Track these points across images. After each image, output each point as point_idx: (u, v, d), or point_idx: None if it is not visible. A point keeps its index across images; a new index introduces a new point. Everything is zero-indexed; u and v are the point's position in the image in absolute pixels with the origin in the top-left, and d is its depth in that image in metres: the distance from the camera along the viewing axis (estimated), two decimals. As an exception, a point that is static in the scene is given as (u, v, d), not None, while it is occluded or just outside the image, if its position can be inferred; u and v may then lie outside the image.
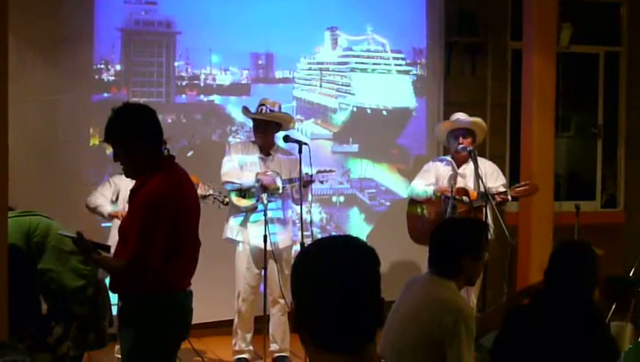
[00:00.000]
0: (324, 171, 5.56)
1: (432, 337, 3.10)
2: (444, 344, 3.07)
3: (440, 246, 3.34)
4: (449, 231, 3.43)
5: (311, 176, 5.38)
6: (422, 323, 3.15)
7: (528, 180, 5.73)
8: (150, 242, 3.26)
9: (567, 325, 2.90)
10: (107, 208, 5.29)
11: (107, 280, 4.08)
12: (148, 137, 3.42)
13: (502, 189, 5.56)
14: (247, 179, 5.37)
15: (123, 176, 5.22)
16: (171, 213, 3.32)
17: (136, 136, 3.39)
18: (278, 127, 5.54)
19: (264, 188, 5.30)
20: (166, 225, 3.30)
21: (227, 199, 5.45)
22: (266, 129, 5.48)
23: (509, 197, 5.53)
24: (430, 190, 5.64)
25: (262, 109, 5.47)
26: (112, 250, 3.56)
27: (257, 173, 5.37)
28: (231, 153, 5.57)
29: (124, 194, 5.22)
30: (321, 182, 5.57)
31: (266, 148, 5.56)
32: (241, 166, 5.47)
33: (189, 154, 6.19)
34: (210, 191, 5.37)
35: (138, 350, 3.39)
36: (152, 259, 3.26)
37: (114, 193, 5.34)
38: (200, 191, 5.21)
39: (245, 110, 5.56)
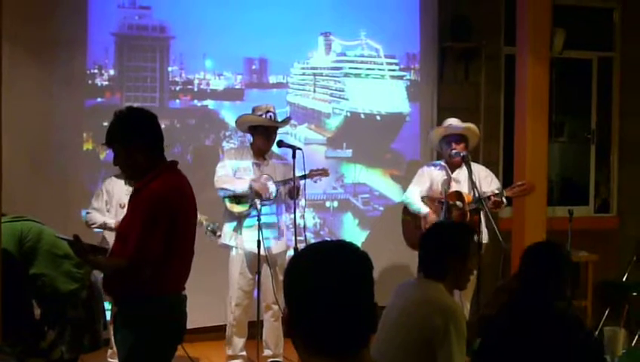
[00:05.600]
0: (317, 171, 5.54)
1: (423, 338, 3.11)
2: (435, 345, 3.07)
3: (427, 249, 3.39)
4: (436, 234, 3.49)
5: (304, 175, 5.37)
6: (412, 325, 3.16)
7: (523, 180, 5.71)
8: (150, 242, 3.27)
9: (547, 328, 2.90)
10: (109, 221, 5.25)
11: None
12: (147, 141, 3.45)
13: (497, 192, 5.55)
14: (241, 186, 5.37)
15: (114, 179, 5.31)
16: (171, 215, 3.34)
17: (135, 139, 3.42)
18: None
19: (257, 194, 5.31)
20: (166, 226, 3.31)
21: (219, 233, 5.49)
22: (273, 135, 5.51)
23: (504, 199, 5.51)
24: (424, 211, 5.64)
25: (270, 116, 5.48)
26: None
27: (251, 180, 5.37)
28: (224, 159, 5.58)
29: (118, 198, 5.23)
30: (315, 181, 5.57)
31: (264, 153, 5.56)
32: (234, 171, 5.47)
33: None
34: (204, 222, 5.36)
35: (135, 354, 3.39)
36: (151, 259, 3.28)
37: (107, 201, 5.33)
38: None
39: (249, 117, 5.53)
